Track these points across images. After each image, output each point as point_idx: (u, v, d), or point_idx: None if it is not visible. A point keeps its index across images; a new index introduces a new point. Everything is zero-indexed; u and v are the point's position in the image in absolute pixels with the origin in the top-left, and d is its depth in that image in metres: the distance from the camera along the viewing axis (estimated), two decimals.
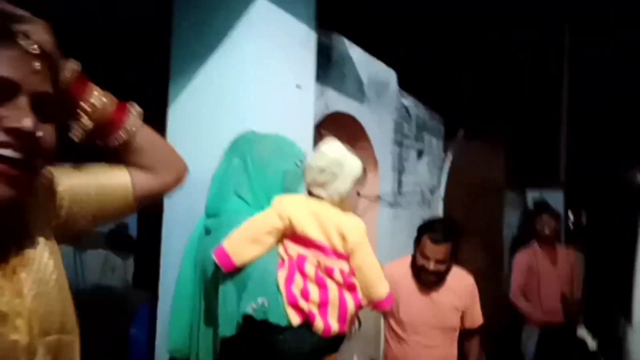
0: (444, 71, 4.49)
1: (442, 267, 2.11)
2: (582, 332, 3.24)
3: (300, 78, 2.02)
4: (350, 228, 1.25)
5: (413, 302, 2.16)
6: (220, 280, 1.22)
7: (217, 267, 1.21)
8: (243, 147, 1.34)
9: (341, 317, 1.20)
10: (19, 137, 0.59)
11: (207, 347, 1.28)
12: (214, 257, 1.19)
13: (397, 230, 3.40)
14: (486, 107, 6.47)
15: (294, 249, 1.23)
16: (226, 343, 1.20)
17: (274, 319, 1.14)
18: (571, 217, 8.58)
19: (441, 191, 4.29)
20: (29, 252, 0.67)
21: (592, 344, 3.18)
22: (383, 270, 1.31)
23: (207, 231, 1.29)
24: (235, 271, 1.19)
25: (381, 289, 1.27)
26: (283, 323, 1.15)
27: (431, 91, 4.16)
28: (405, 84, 3.61)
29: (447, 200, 4.41)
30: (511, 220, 7.02)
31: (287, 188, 1.31)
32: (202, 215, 1.36)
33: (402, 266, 2.22)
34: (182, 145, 1.88)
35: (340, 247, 1.23)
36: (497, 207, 7.13)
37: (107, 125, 0.81)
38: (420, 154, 3.96)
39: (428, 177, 4.09)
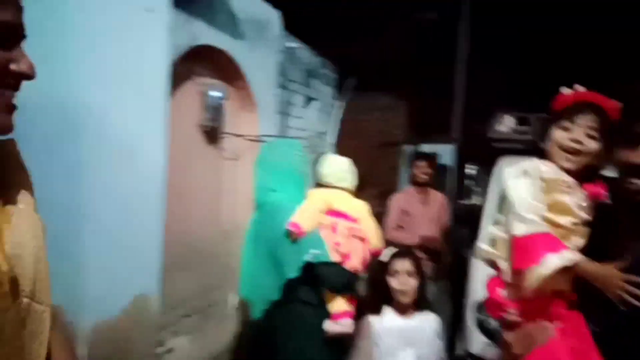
0: (336, 20, 4.51)
1: None
2: None
3: (151, 0, 1.93)
4: (359, 205, 2.32)
5: None
6: (280, 245, 2.05)
7: (273, 239, 2.07)
8: (264, 161, 2.25)
9: (363, 262, 2.15)
10: (20, 79, 0.67)
11: (271, 289, 2.12)
12: (289, 228, 1.98)
13: None
14: (382, 60, 6.63)
15: (329, 219, 2.16)
16: (288, 282, 2.03)
17: (324, 259, 1.96)
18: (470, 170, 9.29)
19: (330, 138, 4.39)
20: (10, 211, 0.67)
21: None
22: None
23: (258, 220, 2.21)
24: (296, 236, 2.01)
25: (378, 243, 2.33)
26: (329, 260, 1.98)
27: (322, 38, 4.17)
28: (292, 27, 3.59)
29: (339, 148, 4.54)
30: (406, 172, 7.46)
31: (300, 171, 2.16)
32: None
33: None
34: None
35: (355, 215, 2.26)
36: (394, 160, 7.50)
37: None
38: (308, 99, 4.01)
39: (317, 123, 4.17)
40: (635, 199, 1.18)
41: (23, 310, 0.65)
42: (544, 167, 1.36)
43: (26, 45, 1.74)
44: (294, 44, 3.60)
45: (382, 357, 1.96)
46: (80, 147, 1.77)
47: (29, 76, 0.67)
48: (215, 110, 2.76)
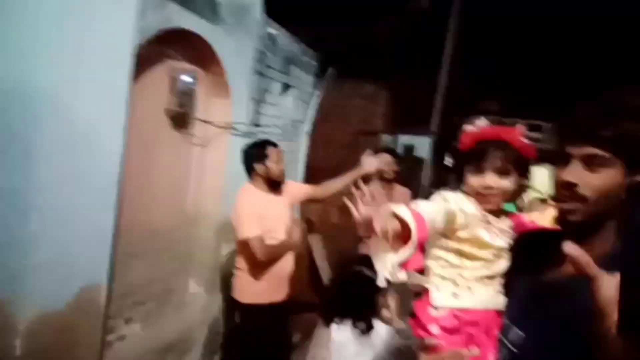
0: (319, 5, 4.38)
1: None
2: None
3: None
4: None
5: None
6: None
7: None
8: None
9: None
10: None
11: None
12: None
13: None
14: (367, 48, 6.52)
15: None
16: None
17: None
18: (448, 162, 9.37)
19: (306, 126, 4.33)
20: None
21: None
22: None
23: None
24: None
25: None
26: None
27: (304, 24, 4.06)
28: (274, 13, 3.48)
29: (315, 135, 4.49)
30: None
31: None
32: None
33: None
34: None
35: None
36: (373, 148, 7.50)
37: None
38: (286, 87, 3.92)
39: (293, 111, 4.10)
40: (567, 219, 1.13)
41: None
42: (467, 202, 1.34)
43: None
44: (275, 30, 3.50)
45: None
46: (32, 132, 1.68)
47: None
48: (185, 95, 2.67)
